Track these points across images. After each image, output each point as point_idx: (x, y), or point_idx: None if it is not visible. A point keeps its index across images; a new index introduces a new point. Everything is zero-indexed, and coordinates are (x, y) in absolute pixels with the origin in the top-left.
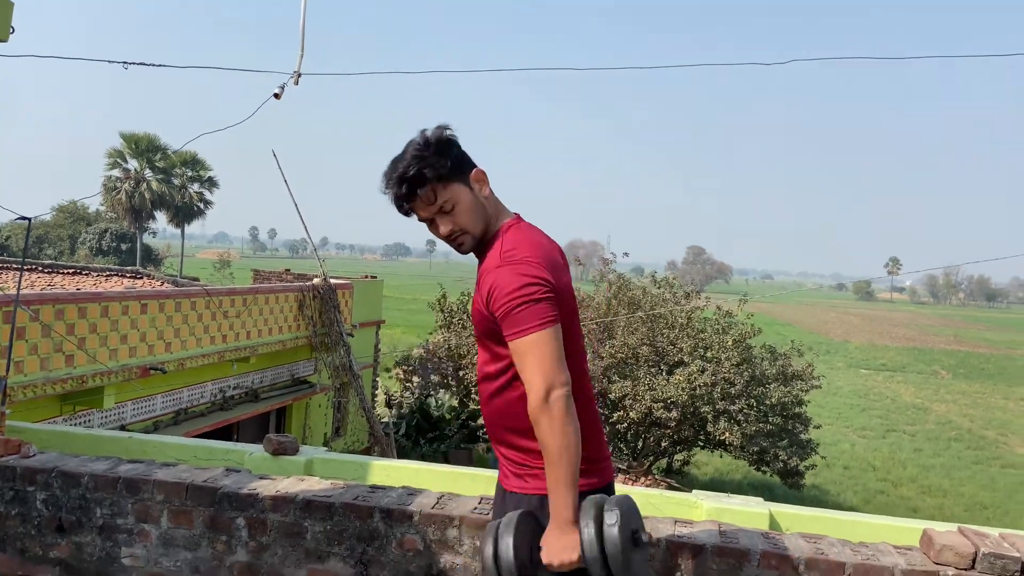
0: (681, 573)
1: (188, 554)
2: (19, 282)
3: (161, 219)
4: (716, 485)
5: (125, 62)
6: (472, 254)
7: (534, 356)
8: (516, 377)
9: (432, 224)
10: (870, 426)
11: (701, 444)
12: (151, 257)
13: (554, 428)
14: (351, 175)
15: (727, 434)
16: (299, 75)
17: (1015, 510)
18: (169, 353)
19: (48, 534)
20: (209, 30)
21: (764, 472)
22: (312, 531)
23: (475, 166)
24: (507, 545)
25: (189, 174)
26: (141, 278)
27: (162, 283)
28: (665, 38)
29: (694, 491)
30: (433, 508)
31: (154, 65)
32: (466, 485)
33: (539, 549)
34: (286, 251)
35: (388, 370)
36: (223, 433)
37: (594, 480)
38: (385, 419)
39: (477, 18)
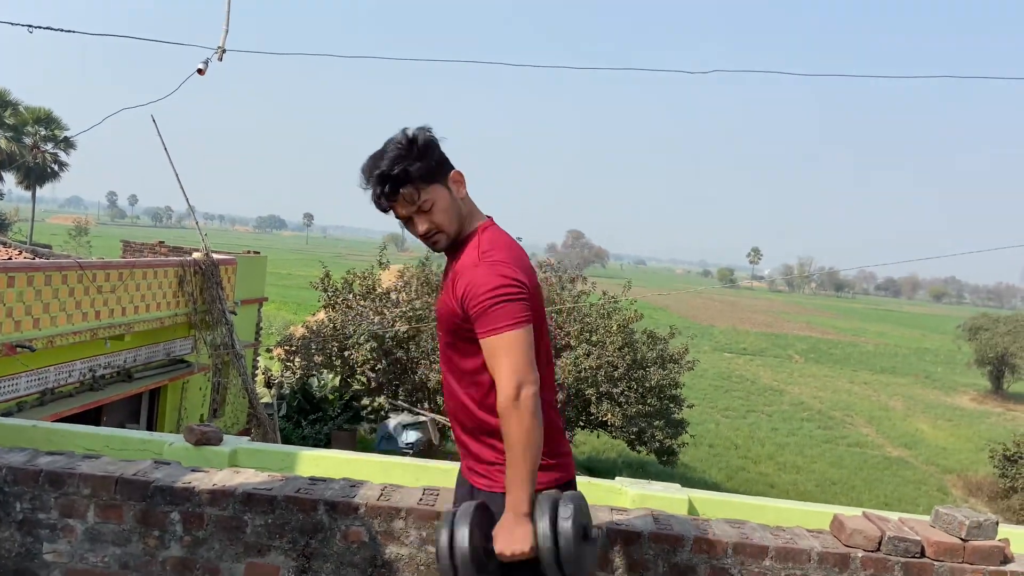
0: (620, 558)
1: (117, 549)
2: None
3: (9, 180)
4: (594, 463)
5: (30, 26)
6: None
7: (507, 354)
8: (485, 376)
9: (409, 222)
10: (732, 407)
11: (583, 425)
12: None
13: (522, 426)
14: (222, 141)
15: (609, 415)
16: (223, 51)
17: (860, 486)
18: (37, 330)
19: None
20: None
21: (640, 451)
22: (252, 524)
23: (453, 167)
24: (463, 534)
25: (43, 133)
26: None
27: (20, 252)
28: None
29: (617, 478)
30: (379, 500)
31: (63, 31)
32: (405, 475)
33: (491, 539)
34: (148, 219)
35: (269, 350)
36: (92, 415)
37: (558, 475)
38: (265, 399)
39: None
